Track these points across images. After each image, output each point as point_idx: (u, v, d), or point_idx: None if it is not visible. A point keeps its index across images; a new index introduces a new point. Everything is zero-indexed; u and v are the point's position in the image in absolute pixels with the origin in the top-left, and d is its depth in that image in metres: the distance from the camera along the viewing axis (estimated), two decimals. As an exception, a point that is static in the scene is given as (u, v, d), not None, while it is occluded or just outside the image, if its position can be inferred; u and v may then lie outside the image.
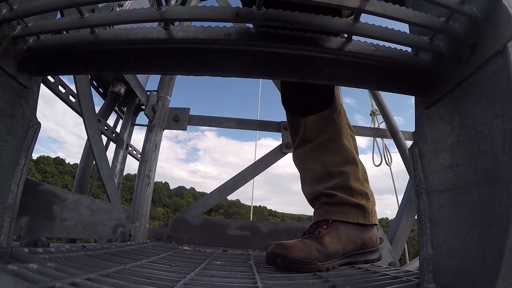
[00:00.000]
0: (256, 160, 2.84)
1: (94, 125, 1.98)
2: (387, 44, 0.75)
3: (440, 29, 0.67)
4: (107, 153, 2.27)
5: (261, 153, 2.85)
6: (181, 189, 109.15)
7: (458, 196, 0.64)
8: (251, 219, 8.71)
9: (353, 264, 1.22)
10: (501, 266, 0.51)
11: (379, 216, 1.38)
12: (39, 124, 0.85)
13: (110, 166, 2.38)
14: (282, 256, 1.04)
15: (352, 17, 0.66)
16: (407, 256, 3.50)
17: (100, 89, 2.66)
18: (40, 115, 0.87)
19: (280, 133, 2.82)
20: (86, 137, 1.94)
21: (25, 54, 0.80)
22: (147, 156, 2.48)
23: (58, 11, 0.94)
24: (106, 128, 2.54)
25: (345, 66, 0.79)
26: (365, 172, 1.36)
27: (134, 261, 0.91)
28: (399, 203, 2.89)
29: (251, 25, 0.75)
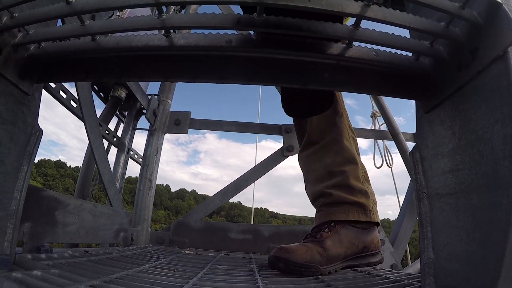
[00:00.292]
0: (256, 163, 2.85)
1: (96, 130, 1.99)
2: (388, 49, 0.75)
3: (441, 34, 0.67)
4: (108, 156, 2.27)
5: (262, 154, 2.86)
6: (182, 192, 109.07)
7: (459, 200, 0.64)
8: (252, 221, 8.69)
9: (355, 267, 1.22)
10: (501, 270, 0.51)
11: (381, 217, 1.38)
12: (41, 131, 0.86)
13: (112, 170, 2.39)
14: (284, 260, 1.04)
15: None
16: (408, 257, 3.49)
17: (101, 93, 2.67)
18: (40, 118, 0.87)
19: (281, 136, 2.82)
20: (87, 140, 1.95)
21: (26, 61, 0.80)
22: (149, 160, 2.48)
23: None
24: (107, 132, 2.55)
25: (346, 71, 0.80)
26: (365, 172, 1.37)
27: (137, 266, 0.91)
28: (401, 205, 2.89)
29: (252, 31, 0.75)
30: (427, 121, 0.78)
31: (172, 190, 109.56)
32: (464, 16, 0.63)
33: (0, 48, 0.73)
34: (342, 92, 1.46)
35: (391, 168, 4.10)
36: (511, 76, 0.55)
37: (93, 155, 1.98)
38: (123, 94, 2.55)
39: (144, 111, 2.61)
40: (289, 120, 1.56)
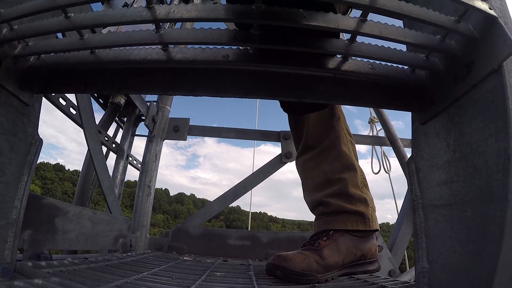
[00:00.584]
0: (255, 169, 2.86)
1: (95, 137, 1.99)
2: (384, 62, 0.76)
3: (436, 47, 0.68)
4: (107, 162, 2.28)
5: (261, 158, 2.87)
6: (181, 196, 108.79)
7: (453, 212, 0.65)
8: (249, 226, 8.66)
9: (352, 274, 1.23)
10: (494, 282, 0.52)
11: (380, 221, 1.39)
12: (41, 141, 0.86)
13: (111, 176, 2.39)
14: (282, 268, 1.05)
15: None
16: (407, 263, 3.50)
17: (100, 100, 2.67)
18: (40, 121, 0.88)
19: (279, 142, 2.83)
20: (86, 144, 1.95)
21: (26, 72, 0.80)
22: (148, 167, 2.49)
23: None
24: (106, 139, 2.55)
25: (342, 84, 0.80)
26: (364, 178, 1.37)
27: (136, 274, 0.92)
28: (399, 210, 2.89)
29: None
30: (423, 133, 0.79)
31: (171, 194, 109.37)
32: (459, 30, 0.63)
33: (0, 60, 0.74)
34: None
35: (388, 174, 4.11)
36: (506, 90, 0.55)
37: (92, 162, 1.98)
38: (122, 101, 2.56)
39: (143, 118, 2.62)
40: (287, 127, 1.56)
